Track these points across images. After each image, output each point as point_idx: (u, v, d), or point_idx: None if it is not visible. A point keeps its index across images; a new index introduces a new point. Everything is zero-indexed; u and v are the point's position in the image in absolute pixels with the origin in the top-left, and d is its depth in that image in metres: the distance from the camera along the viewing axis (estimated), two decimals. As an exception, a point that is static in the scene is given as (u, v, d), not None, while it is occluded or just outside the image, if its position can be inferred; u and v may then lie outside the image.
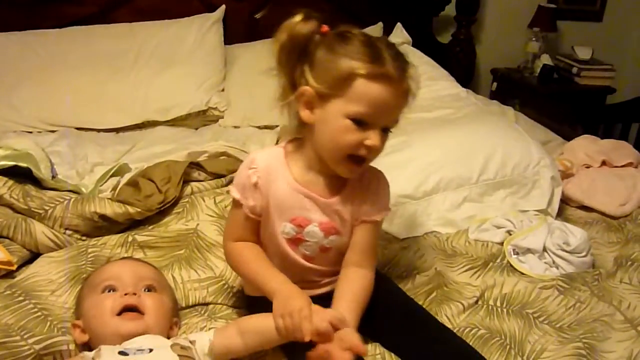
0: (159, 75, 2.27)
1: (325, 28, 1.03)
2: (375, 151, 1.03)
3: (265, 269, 1.08)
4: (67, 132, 2.06)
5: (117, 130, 2.17)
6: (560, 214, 1.69)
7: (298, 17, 1.02)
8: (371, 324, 1.10)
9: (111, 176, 1.60)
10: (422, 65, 2.33)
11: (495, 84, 2.98)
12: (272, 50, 1.04)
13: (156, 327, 1.05)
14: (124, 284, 1.08)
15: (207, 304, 1.25)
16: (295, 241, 1.11)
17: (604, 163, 1.86)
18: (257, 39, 2.53)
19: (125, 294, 1.05)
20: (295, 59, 1.02)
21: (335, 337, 0.95)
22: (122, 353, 0.95)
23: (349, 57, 0.97)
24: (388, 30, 2.57)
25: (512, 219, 1.54)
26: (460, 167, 1.65)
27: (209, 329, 1.12)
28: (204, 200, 1.51)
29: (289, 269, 1.12)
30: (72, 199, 1.37)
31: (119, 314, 1.04)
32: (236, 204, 1.11)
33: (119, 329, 1.02)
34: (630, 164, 1.84)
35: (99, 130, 2.15)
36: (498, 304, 1.27)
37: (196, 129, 2.25)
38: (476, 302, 1.28)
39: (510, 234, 1.51)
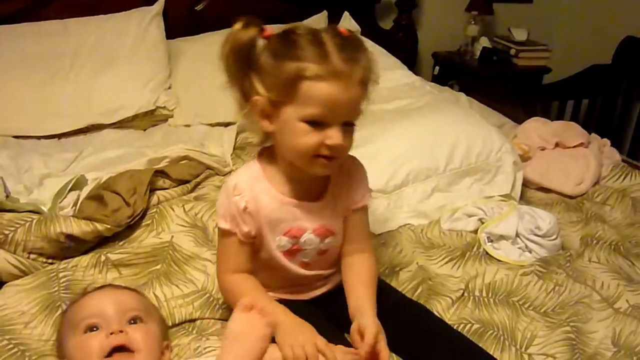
0: (100, 74, 2.14)
1: (267, 32, 1.00)
2: (340, 148, 0.98)
3: (267, 301, 1.05)
4: (5, 142, 1.91)
5: (59, 136, 2.04)
6: (522, 197, 1.74)
7: (237, 25, 0.99)
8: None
9: (69, 191, 1.49)
10: (376, 56, 2.33)
11: (437, 67, 3.02)
12: (220, 64, 1.01)
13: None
14: (107, 320, 0.99)
15: (194, 320, 1.20)
16: (292, 252, 1.09)
17: (557, 145, 1.93)
18: (199, 32, 2.45)
19: (111, 333, 0.97)
20: (242, 68, 0.99)
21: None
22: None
23: (292, 59, 0.94)
24: (333, 19, 2.55)
25: (482, 206, 1.57)
26: (427, 158, 1.66)
27: (204, 348, 1.08)
28: (173, 210, 1.45)
29: (285, 279, 1.10)
30: (35, 220, 1.27)
31: (108, 355, 0.96)
32: (225, 233, 1.07)
33: None
34: (581, 144, 1.91)
35: (39, 138, 2.01)
36: (484, 294, 1.30)
37: (145, 130, 2.15)
38: (462, 294, 1.30)
39: (482, 222, 1.54)
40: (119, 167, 1.62)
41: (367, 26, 2.68)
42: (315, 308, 1.14)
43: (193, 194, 1.57)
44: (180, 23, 2.46)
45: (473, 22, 2.95)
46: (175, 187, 1.56)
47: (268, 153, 1.08)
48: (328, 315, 1.13)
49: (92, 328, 0.98)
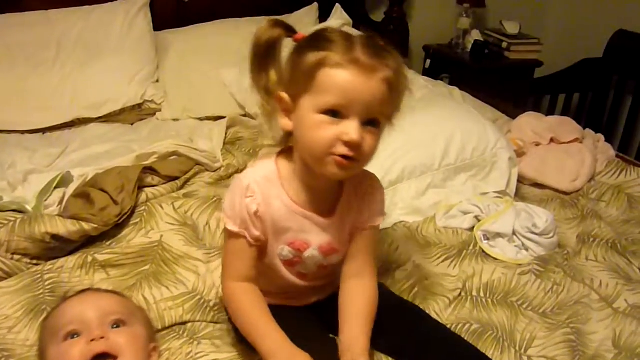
0: (85, 67, 2.08)
1: (299, 36, 0.98)
2: (357, 146, 0.90)
3: (264, 324, 0.98)
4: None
5: (43, 130, 1.98)
6: (517, 193, 1.72)
7: (264, 24, 0.97)
8: (383, 340, 1.07)
9: (55, 188, 1.44)
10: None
11: (428, 61, 2.99)
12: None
13: None
14: (88, 326, 0.95)
15: (185, 323, 1.16)
16: (293, 263, 1.06)
17: (551, 140, 1.91)
18: (186, 24, 2.40)
19: (92, 340, 0.93)
20: (263, 64, 0.98)
21: None
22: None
23: (315, 50, 0.91)
24: (324, 11, 2.51)
25: (478, 203, 1.55)
26: (423, 153, 1.63)
27: (196, 354, 1.04)
28: (162, 207, 1.41)
29: (280, 286, 1.06)
30: (19, 220, 1.23)
31: None
32: (233, 235, 1.01)
33: None
34: (576, 140, 1.89)
35: (23, 132, 1.96)
36: (482, 294, 1.27)
37: (132, 124, 2.10)
38: (459, 294, 1.27)
39: (478, 219, 1.51)
40: (105, 163, 1.58)
41: (357, 18, 2.64)
42: (309, 312, 1.11)
43: (182, 191, 1.53)
44: (168, 15, 2.41)
45: (465, 14, 2.92)
46: (164, 184, 1.52)
47: (286, 155, 1.02)
48: (322, 319, 1.10)
49: (72, 335, 0.94)
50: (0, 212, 1.25)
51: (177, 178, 1.56)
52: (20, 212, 1.30)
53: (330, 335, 1.07)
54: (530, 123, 1.97)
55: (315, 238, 1.03)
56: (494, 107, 2.23)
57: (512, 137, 1.89)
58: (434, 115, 1.74)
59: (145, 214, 1.39)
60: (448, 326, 1.15)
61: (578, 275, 1.35)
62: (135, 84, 2.13)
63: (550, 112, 2.86)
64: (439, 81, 2.44)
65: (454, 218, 1.53)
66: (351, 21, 2.37)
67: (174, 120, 2.11)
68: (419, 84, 2.11)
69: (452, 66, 2.92)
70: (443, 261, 1.39)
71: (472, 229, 1.50)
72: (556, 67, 2.92)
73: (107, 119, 2.06)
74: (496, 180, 1.68)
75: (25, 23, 2.11)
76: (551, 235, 1.46)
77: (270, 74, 0.97)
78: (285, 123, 0.97)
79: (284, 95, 0.95)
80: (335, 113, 0.90)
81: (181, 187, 1.55)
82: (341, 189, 1.04)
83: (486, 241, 1.46)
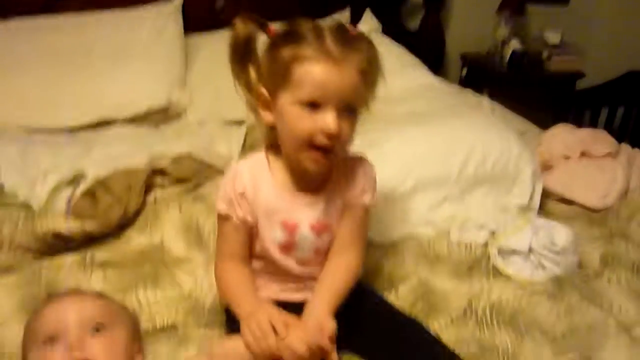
0: (114, 69, 2.11)
1: (271, 29, 1.01)
2: (335, 136, 0.96)
3: (243, 293, 1.04)
4: (15, 135, 1.90)
5: (69, 130, 2.03)
6: (542, 208, 1.63)
7: (236, 21, 1.02)
8: (359, 341, 1.07)
9: (68, 186, 1.46)
10: (392, 54, 2.25)
11: (465, 69, 2.92)
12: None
13: None
14: (67, 332, 0.94)
15: (176, 326, 1.15)
16: (288, 248, 1.07)
17: (582, 154, 1.81)
18: (218, 28, 2.41)
19: (71, 349, 0.92)
20: (242, 62, 1.02)
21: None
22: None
23: (288, 44, 0.96)
24: (356, 17, 2.48)
25: (495, 217, 1.48)
26: (440, 164, 1.57)
27: None
28: (167, 210, 1.40)
29: (282, 276, 1.09)
30: (23, 216, 1.25)
31: None
32: (223, 217, 1.07)
33: None
34: (609, 154, 1.79)
35: (50, 132, 2.00)
36: (487, 314, 1.21)
37: (157, 126, 2.12)
38: (464, 312, 1.21)
39: (494, 235, 1.44)
40: (121, 163, 1.59)
41: (392, 26, 2.60)
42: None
43: (193, 194, 1.52)
44: (200, 18, 2.43)
45: (504, 23, 2.84)
46: (175, 186, 1.52)
47: (275, 147, 1.08)
48: None
49: (51, 340, 0.94)
50: (6, 204, 1.27)
51: (189, 180, 1.56)
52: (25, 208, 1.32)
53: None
54: (561, 135, 1.88)
55: (304, 215, 1.06)
56: (528, 119, 2.15)
57: (540, 149, 1.81)
58: (453, 125, 1.68)
59: (150, 215, 1.39)
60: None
61: (596, 298, 1.27)
62: (162, 87, 2.15)
63: (591, 126, 2.72)
64: (468, 90, 2.36)
65: (468, 232, 1.47)
66: (380, 26, 2.33)
67: (199, 123, 2.12)
68: (441, 91, 2.05)
69: (488, 76, 2.83)
70: (451, 278, 1.32)
71: (486, 244, 1.43)
72: (599, 79, 2.80)
73: (132, 120, 2.09)
74: (518, 195, 1.60)
75: (59, 26, 2.16)
76: (571, 254, 1.37)
77: (249, 70, 1.02)
78: (268, 117, 1.02)
79: (263, 90, 1.00)
80: (312, 104, 0.95)
81: (193, 190, 1.55)
82: (330, 171, 1.08)
83: (500, 258, 1.39)
